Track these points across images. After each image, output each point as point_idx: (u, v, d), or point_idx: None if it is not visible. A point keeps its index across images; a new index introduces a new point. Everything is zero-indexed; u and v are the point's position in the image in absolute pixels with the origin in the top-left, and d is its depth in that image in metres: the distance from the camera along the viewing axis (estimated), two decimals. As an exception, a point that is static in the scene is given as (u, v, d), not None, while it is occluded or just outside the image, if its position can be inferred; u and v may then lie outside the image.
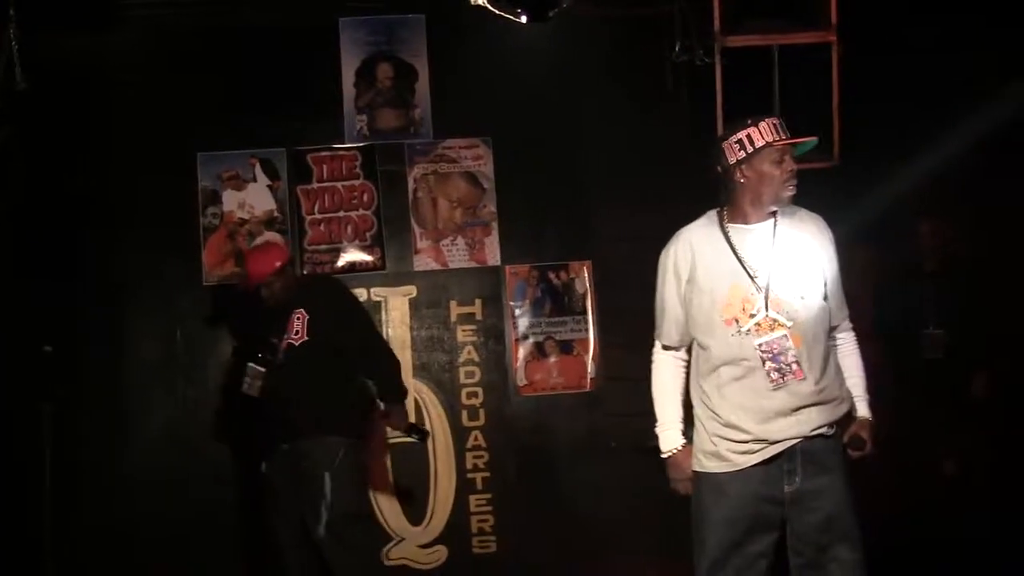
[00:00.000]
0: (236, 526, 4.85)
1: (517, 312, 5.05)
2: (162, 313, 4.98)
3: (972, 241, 5.00)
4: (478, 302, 5.06)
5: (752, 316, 2.90)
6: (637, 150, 5.01)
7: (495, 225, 5.05)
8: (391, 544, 4.98)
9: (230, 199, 4.99)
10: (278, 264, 4.28)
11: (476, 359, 5.05)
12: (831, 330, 3.00)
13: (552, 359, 5.04)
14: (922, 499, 4.86)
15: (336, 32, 5.01)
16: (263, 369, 4.27)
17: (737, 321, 2.90)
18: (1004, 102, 4.72)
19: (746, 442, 2.89)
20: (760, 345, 2.87)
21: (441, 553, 4.98)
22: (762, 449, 2.88)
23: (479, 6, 4.04)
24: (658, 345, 3.14)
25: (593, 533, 4.93)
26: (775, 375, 2.86)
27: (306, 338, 4.25)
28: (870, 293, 5.00)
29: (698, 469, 3.01)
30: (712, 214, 3.06)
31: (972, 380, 4.80)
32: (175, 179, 4.95)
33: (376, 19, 5.04)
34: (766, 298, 2.90)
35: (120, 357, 4.94)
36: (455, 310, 5.05)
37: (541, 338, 5.06)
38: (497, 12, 4.11)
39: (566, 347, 5.05)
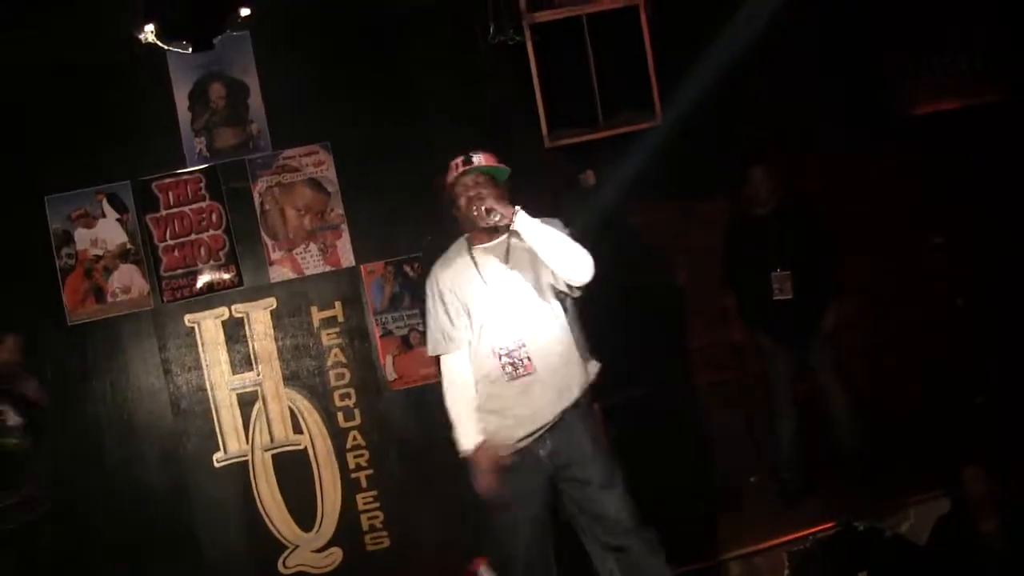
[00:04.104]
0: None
1: (378, 309, 5.12)
2: (31, 358, 4.98)
3: (807, 183, 5.11)
4: (338, 304, 5.12)
5: (491, 326, 3.36)
6: (473, 133, 5.07)
7: (345, 227, 5.12)
8: (286, 552, 5.04)
9: (82, 237, 5.03)
10: None
11: (344, 360, 5.11)
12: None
13: (418, 350, 5.10)
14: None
15: (164, 59, 5.03)
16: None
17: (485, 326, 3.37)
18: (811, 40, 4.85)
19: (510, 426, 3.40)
20: (494, 348, 3.35)
21: (336, 555, 5.05)
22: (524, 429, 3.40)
23: (151, 43, 4.39)
24: (450, 357, 3.47)
25: (481, 516, 5.00)
26: (509, 368, 3.35)
27: None
28: (716, 244, 5.13)
29: None
30: (462, 240, 3.51)
31: (821, 316, 4.92)
32: (25, 224, 4.99)
33: (201, 42, 5.09)
34: (504, 309, 3.35)
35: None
36: (317, 315, 5.11)
37: (405, 331, 5.13)
38: (166, 47, 4.51)
39: (430, 337, 5.12)
